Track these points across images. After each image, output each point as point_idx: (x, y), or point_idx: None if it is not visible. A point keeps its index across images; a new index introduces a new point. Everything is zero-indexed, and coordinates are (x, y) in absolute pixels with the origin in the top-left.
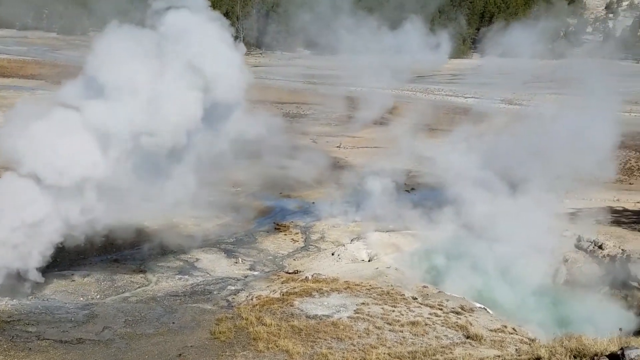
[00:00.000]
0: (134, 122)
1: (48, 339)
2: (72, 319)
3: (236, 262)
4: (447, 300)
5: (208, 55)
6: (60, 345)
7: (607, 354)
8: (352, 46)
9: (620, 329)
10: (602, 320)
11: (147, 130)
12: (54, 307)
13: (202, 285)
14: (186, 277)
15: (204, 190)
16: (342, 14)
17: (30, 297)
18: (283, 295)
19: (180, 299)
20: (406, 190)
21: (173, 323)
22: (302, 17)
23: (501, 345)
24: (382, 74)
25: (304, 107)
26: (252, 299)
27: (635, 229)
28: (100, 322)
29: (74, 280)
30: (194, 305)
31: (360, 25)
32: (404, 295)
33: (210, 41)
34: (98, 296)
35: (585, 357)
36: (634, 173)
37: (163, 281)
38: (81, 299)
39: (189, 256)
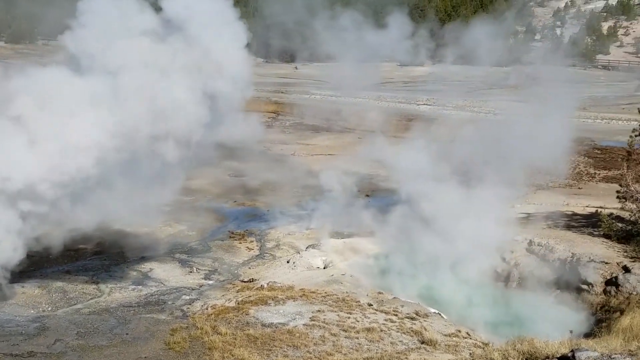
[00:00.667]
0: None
1: None
2: (23, 332)
3: (191, 272)
4: (402, 306)
5: (220, 57)
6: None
7: (558, 356)
8: (328, 45)
9: (571, 331)
10: (553, 322)
11: (147, 133)
12: (3, 320)
13: (156, 296)
14: (140, 287)
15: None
16: (318, 10)
17: None
18: (238, 304)
19: (134, 310)
20: (362, 196)
21: (127, 334)
22: (274, 13)
23: (455, 350)
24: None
25: (256, 115)
26: (207, 309)
27: (585, 232)
28: (52, 335)
29: (24, 293)
30: (148, 315)
31: (337, 21)
32: (359, 301)
33: (223, 38)
34: (49, 308)
35: None
36: (583, 177)
37: (116, 292)
38: (32, 311)
39: (143, 266)
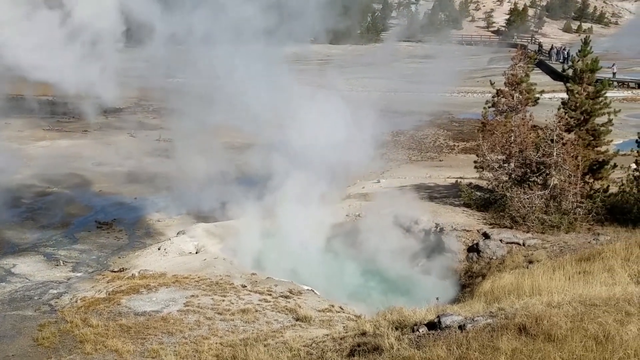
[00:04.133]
0: None
1: None
2: None
3: (57, 265)
4: (276, 285)
5: None
6: None
7: (425, 322)
8: None
9: (437, 298)
10: (421, 291)
11: None
12: None
13: (22, 292)
14: (3, 284)
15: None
16: None
17: None
18: (109, 294)
19: None
20: (233, 178)
21: None
22: None
23: (329, 324)
24: None
25: (118, 101)
26: (76, 301)
27: (447, 202)
28: None
29: None
30: (13, 313)
31: None
32: (233, 284)
33: None
34: None
35: (406, 327)
36: (443, 150)
37: None
38: None
39: (5, 262)
